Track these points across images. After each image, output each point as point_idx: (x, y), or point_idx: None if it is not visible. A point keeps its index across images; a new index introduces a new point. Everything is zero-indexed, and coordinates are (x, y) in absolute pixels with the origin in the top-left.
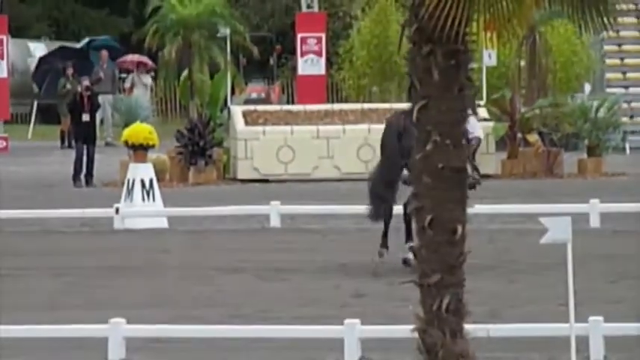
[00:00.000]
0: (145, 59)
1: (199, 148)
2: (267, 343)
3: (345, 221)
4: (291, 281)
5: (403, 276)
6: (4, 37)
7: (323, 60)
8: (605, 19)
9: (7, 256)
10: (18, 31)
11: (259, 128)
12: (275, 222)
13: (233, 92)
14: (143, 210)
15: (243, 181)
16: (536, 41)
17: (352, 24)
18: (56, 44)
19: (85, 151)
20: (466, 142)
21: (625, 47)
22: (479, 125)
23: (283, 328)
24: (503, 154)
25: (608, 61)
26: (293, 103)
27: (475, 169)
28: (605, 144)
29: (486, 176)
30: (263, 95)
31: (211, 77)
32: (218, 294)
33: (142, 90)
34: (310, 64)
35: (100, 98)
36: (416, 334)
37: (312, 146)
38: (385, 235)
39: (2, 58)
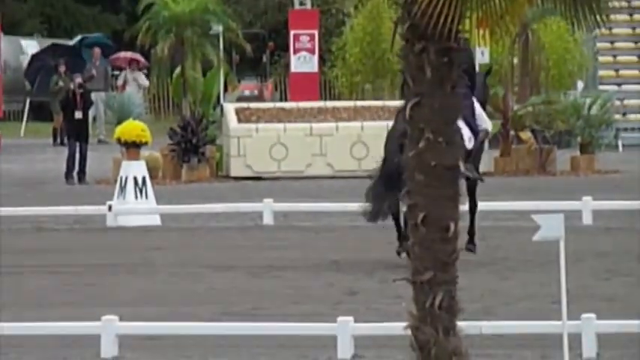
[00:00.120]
0: (137, 56)
1: (192, 146)
2: (259, 341)
3: (338, 219)
4: (284, 278)
5: (396, 273)
6: None
7: (316, 57)
8: (597, 17)
9: (0, 253)
10: (10, 28)
11: (252, 126)
12: (268, 219)
13: (226, 89)
14: (136, 207)
15: (236, 178)
16: (529, 39)
17: (345, 21)
18: (48, 41)
19: (77, 149)
20: (473, 136)
21: (617, 44)
22: (487, 118)
23: (276, 325)
24: (496, 152)
25: (601, 59)
26: (286, 100)
27: (476, 168)
28: (597, 141)
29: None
30: (256, 92)
31: (204, 74)
32: (211, 291)
33: (134, 87)
34: (303, 62)
35: (93, 95)
36: (409, 332)
37: (305, 144)
38: (399, 232)
39: None
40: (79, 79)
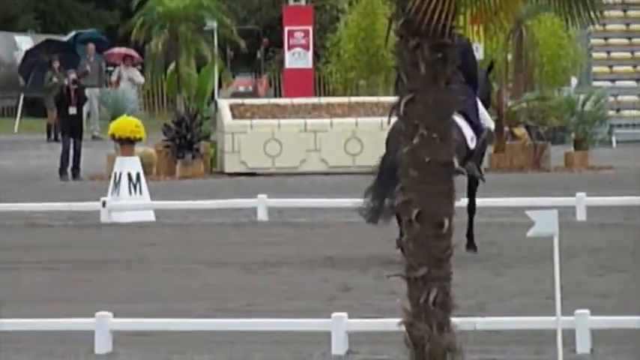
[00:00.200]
0: (132, 52)
1: (186, 142)
2: (253, 337)
3: (333, 215)
4: (279, 274)
5: (390, 270)
6: None
7: (310, 53)
8: (591, 13)
9: None
10: (4, 23)
11: (246, 122)
12: (262, 215)
13: (220, 85)
14: (130, 203)
15: (230, 174)
16: (523, 35)
17: (339, 17)
18: (43, 37)
19: (71, 145)
20: (475, 135)
21: (611, 41)
22: (489, 117)
23: (270, 321)
24: (490, 148)
25: (595, 55)
26: (280, 96)
27: (477, 167)
28: (591, 137)
29: None
30: (250, 88)
31: (198, 70)
32: (205, 287)
33: (128, 83)
34: (297, 58)
35: (87, 91)
36: (403, 328)
37: (300, 140)
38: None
39: None
40: (73, 75)
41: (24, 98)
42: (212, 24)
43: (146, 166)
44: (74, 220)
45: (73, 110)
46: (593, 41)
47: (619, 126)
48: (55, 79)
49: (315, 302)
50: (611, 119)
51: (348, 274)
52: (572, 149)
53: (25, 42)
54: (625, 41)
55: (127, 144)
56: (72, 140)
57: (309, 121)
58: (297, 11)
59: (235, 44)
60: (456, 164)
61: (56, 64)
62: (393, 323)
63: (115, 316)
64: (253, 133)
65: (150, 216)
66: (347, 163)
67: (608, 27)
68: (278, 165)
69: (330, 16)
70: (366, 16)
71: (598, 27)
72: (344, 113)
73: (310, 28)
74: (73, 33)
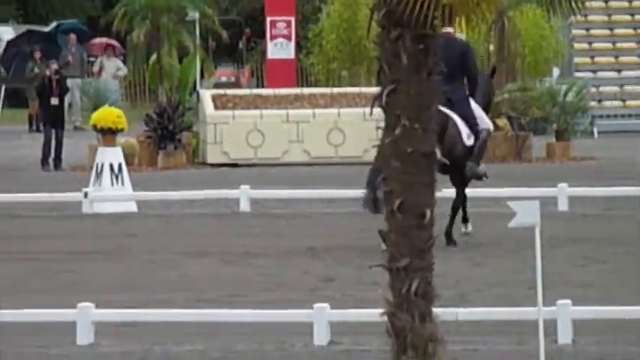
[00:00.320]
0: (113, 42)
1: (168, 132)
2: (235, 328)
3: (315, 205)
4: (260, 265)
5: (372, 260)
6: None
7: (292, 44)
8: (573, 4)
9: None
10: None
11: (229, 112)
12: (244, 206)
13: (202, 76)
14: (112, 194)
15: (212, 165)
16: (505, 25)
17: (321, 8)
18: (24, 28)
19: (53, 135)
20: (473, 135)
21: (593, 32)
22: (488, 120)
23: (252, 312)
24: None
25: (577, 46)
26: (262, 87)
27: (478, 167)
28: (573, 128)
29: None
30: (232, 79)
31: (180, 61)
32: (186, 278)
33: (110, 74)
34: (280, 48)
35: (69, 82)
36: (385, 318)
37: (282, 130)
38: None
39: None
40: (54, 66)
41: (5, 89)
42: (194, 14)
43: (128, 157)
44: (56, 210)
45: (54, 101)
46: (574, 32)
47: (600, 117)
48: (36, 70)
49: (297, 293)
50: (593, 110)
51: (330, 264)
52: (553, 140)
53: (6, 32)
54: (607, 32)
55: (108, 134)
56: (54, 131)
57: (291, 111)
58: (279, 1)
59: (217, 35)
60: (439, 154)
61: (38, 55)
62: (375, 314)
63: (96, 306)
64: (235, 123)
65: (132, 207)
66: (329, 154)
67: (590, 18)
68: (260, 156)
69: (313, 7)
70: (348, 7)
71: (580, 18)
72: (326, 104)
73: (292, 19)
74: (54, 23)
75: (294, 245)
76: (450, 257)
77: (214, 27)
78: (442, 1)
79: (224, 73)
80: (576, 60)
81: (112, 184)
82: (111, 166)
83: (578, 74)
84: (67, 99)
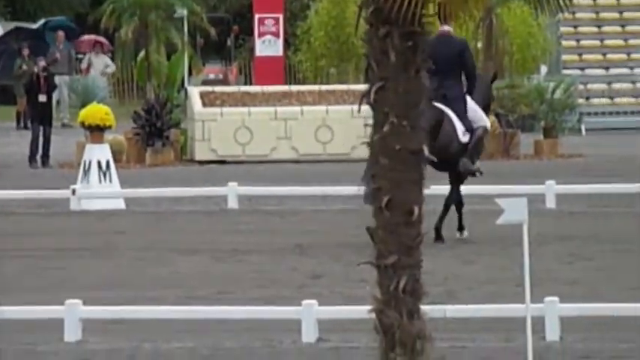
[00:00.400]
0: (101, 39)
1: (156, 129)
2: (224, 325)
3: (303, 202)
4: (249, 262)
5: (360, 257)
6: None
7: (281, 41)
8: (560, 1)
9: None
10: None
11: (217, 109)
12: (233, 203)
13: (190, 73)
14: (100, 191)
15: (200, 162)
16: (493, 23)
17: (310, 5)
18: (12, 25)
19: (41, 132)
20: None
21: (581, 29)
22: (486, 118)
23: (240, 309)
24: None
25: (564, 43)
26: (251, 84)
27: (472, 163)
28: (561, 125)
29: None
30: (220, 76)
31: (168, 58)
32: (175, 275)
33: (98, 71)
34: (268, 45)
35: (57, 79)
36: (373, 315)
37: (270, 127)
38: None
39: None
40: (42, 63)
41: None
42: (182, 12)
43: (116, 154)
44: (44, 207)
45: (42, 98)
46: (562, 29)
47: (588, 114)
48: (24, 67)
49: (285, 290)
50: (581, 107)
51: (318, 261)
52: (541, 137)
53: None
54: (594, 29)
55: (96, 131)
56: (41, 128)
57: (279, 108)
58: None
59: (205, 32)
60: (426, 152)
61: (26, 52)
62: (363, 311)
63: (84, 303)
64: (223, 120)
65: (120, 204)
66: (317, 151)
67: (578, 15)
68: (248, 153)
69: (301, 4)
70: (336, 4)
71: (567, 15)
72: (314, 101)
73: (281, 16)
74: (42, 20)
75: (282, 242)
76: (438, 254)
77: (202, 24)
78: None
79: (212, 70)
80: (564, 57)
81: (100, 181)
82: (99, 163)
83: (565, 71)
84: (54, 96)
